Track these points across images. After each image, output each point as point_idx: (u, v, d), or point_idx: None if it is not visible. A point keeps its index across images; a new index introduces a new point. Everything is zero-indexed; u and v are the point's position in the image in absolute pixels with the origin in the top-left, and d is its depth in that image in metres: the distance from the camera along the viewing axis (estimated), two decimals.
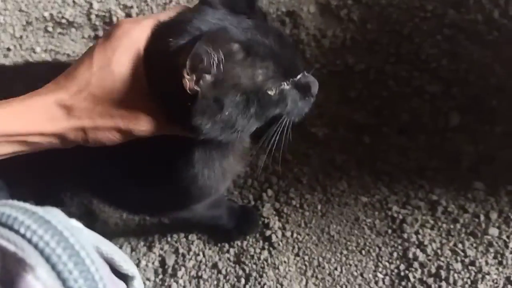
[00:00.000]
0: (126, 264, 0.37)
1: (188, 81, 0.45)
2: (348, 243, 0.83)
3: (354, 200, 0.86)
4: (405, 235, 0.82)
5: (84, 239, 0.32)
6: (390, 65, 0.94)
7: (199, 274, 0.84)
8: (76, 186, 0.72)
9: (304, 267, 0.83)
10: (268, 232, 0.85)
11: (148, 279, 0.84)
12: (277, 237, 0.85)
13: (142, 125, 0.49)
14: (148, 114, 0.48)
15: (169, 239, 0.87)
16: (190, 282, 0.83)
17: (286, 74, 0.53)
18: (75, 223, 0.34)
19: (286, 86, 0.53)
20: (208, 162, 0.61)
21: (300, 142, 0.91)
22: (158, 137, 0.52)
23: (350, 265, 0.82)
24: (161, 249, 0.86)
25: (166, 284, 0.84)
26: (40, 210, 0.32)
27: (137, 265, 0.85)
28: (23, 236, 0.30)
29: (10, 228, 0.30)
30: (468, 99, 0.91)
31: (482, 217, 0.83)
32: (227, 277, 0.83)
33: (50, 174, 0.64)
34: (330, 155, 0.90)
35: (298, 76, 0.55)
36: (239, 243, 0.85)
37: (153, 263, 0.86)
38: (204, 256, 0.85)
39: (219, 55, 0.45)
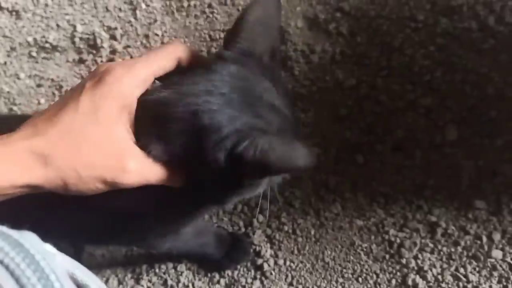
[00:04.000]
0: None
1: None
2: (344, 270, 0.76)
3: (349, 223, 0.79)
4: (404, 260, 0.75)
5: (55, 264, 0.32)
6: (382, 79, 0.86)
7: None
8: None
9: None
10: (259, 261, 0.78)
11: None
12: (269, 265, 0.78)
13: (130, 178, 0.43)
14: (137, 165, 0.43)
15: (157, 270, 0.80)
16: None
17: None
18: (49, 248, 0.34)
19: None
20: None
21: None
22: None
23: None
24: (149, 281, 0.80)
25: None
26: (15, 233, 0.32)
27: None
28: None
29: None
30: (465, 111, 0.84)
31: (484, 239, 0.75)
32: None
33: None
34: (323, 177, 0.82)
35: None
36: (230, 273, 0.78)
37: None
38: (193, 287, 0.79)
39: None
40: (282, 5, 0.98)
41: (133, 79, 0.43)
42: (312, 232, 0.79)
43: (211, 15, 1.00)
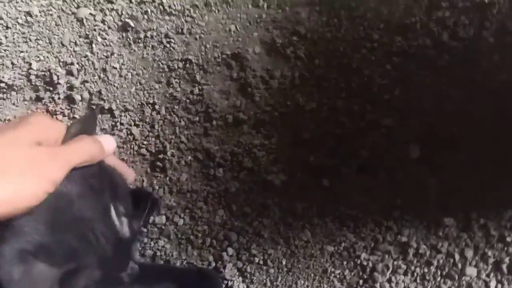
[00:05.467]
0: None
1: None
2: None
3: (320, 250, 0.73)
4: (378, 285, 0.69)
5: None
6: (342, 101, 0.82)
7: None
8: None
9: None
10: None
11: None
12: None
13: None
14: None
15: None
16: None
17: None
18: None
19: None
20: None
21: (257, 192, 0.78)
22: None
23: None
24: None
25: None
26: None
27: None
28: None
29: None
30: (426, 129, 0.80)
31: (457, 256, 0.70)
32: None
33: None
34: (290, 204, 0.76)
35: None
36: None
37: None
38: None
39: None
40: (239, 32, 0.93)
41: None
42: (284, 262, 0.73)
43: (168, 45, 0.94)
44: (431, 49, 0.82)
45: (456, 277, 0.69)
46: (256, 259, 0.74)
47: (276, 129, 0.83)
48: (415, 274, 0.70)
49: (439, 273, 0.70)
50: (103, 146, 0.50)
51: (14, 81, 0.96)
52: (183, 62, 0.93)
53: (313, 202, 0.76)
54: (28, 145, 0.41)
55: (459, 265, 0.70)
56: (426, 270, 0.70)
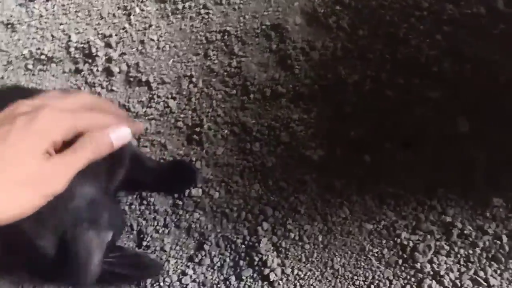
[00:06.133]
0: None
1: None
2: (355, 277, 0.72)
3: (358, 228, 0.75)
4: (418, 265, 0.70)
5: None
6: (387, 73, 0.82)
7: None
8: None
9: None
10: (266, 271, 0.74)
11: None
12: (276, 275, 0.74)
13: None
14: None
15: (162, 283, 0.77)
16: None
17: None
18: None
19: None
20: None
21: (294, 167, 0.80)
22: None
23: None
24: None
25: None
26: None
27: None
28: None
29: None
30: (477, 101, 0.79)
31: (504, 238, 0.70)
32: None
33: None
34: (328, 180, 0.78)
35: None
36: (235, 284, 0.75)
37: None
38: None
39: None
40: (279, 1, 0.95)
41: None
42: (320, 239, 0.75)
43: (206, 16, 0.97)
44: (485, 18, 0.80)
45: (503, 259, 0.68)
46: (292, 235, 0.76)
47: (315, 103, 0.84)
48: (459, 256, 0.70)
49: (484, 255, 0.69)
50: (113, 142, 0.49)
51: (54, 53, 1.01)
52: (221, 34, 0.95)
53: (352, 179, 0.77)
54: (37, 157, 0.42)
55: (507, 248, 0.69)
56: (470, 251, 0.70)
